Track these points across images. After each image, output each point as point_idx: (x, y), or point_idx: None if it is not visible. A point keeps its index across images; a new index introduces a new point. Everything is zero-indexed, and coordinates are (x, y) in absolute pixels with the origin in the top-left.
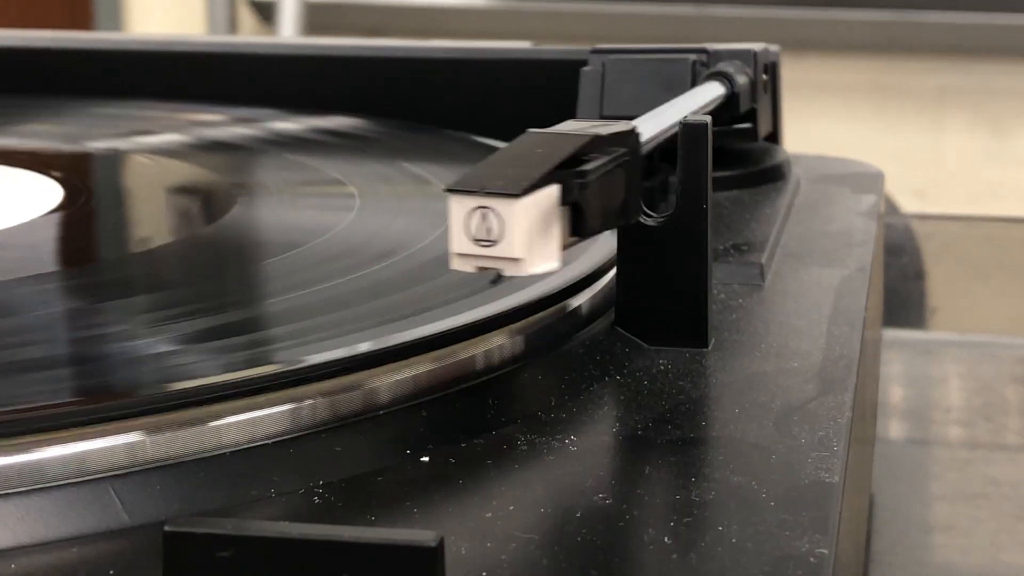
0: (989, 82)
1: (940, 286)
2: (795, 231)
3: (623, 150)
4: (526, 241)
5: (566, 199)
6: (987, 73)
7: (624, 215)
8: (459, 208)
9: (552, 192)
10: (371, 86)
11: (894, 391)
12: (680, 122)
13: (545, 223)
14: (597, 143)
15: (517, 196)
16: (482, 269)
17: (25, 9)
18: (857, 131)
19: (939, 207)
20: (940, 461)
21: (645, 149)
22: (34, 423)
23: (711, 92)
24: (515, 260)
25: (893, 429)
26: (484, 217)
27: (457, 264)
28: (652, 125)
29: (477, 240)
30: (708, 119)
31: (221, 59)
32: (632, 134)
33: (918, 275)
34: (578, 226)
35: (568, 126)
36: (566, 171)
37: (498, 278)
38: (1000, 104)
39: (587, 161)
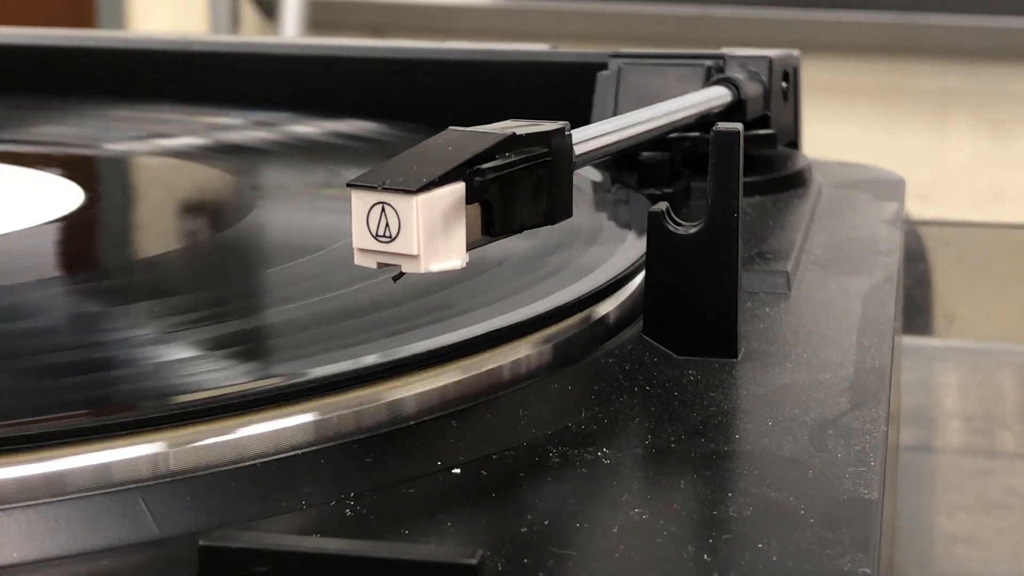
0: (991, 85)
1: (955, 293)
2: (819, 238)
3: (542, 150)
4: (424, 238)
5: (472, 197)
6: (989, 76)
7: (548, 216)
8: (360, 203)
9: (457, 190)
10: (386, 88)
11: (913, 399)
12: (713, 130)
13: (448, 221)
14: (513, 142)
15: (414, 192)
16: (382, 265)
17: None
18: (859, 133)
19: (941, 209)
20: (961, 471)
21: (613, 149)
22: (60, 433)
23: (704, 96)
24: (413, 257)
25: (913, 437)
26: (384, 213)
27: (359, 259)
28: (615, 125)
29: (377, 236)
30: (739, 126)
31: (234, 59)
32: (559, 134)
33: (927, 282)
34: (489, 225)
35: (496, 125)
36: (470, 169)
37: (400, 275)
38: (1002, 107)
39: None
